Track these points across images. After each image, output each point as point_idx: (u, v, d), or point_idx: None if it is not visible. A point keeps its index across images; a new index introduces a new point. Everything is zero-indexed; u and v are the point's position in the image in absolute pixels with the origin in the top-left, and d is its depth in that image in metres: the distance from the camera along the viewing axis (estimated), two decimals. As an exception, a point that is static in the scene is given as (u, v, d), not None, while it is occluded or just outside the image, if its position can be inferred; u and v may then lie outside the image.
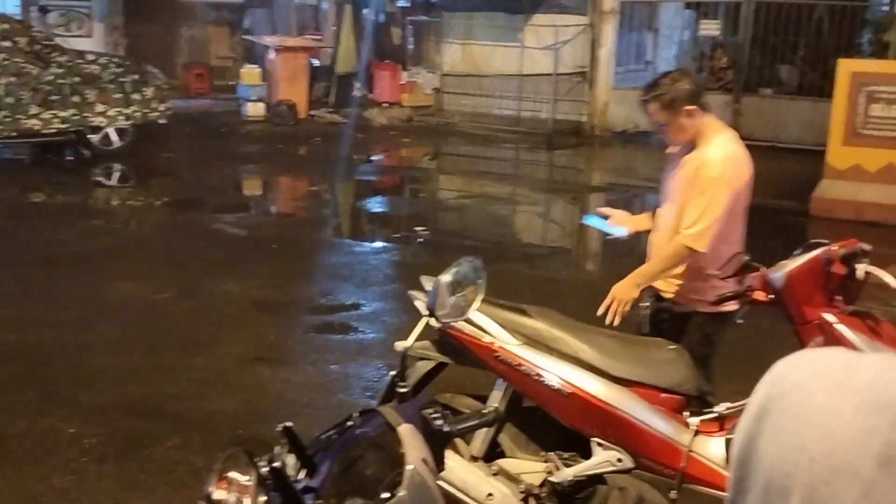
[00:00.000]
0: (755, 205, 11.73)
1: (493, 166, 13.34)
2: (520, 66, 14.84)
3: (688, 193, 3.42)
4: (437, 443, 1.62)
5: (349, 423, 1.61)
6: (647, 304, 3.64)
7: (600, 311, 3.47)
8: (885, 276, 2.87)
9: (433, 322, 2.16)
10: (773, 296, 3.08)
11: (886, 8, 13.94)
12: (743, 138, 13.35)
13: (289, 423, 1.54)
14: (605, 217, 3.80)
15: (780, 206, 10.15)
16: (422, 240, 8.53)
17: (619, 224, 3.76)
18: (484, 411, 2.25)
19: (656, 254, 3.57)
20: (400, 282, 6.57)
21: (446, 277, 2.10)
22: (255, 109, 14.89)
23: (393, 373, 2.23)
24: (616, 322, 3.45)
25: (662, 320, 3.60)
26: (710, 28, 14.87)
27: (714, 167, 3.38)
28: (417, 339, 3.00)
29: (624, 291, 3.45)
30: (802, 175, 10.52)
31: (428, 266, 7.52)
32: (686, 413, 3.05)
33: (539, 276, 7.64)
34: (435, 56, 16.42)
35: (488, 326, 3.15)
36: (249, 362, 5.24)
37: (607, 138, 14.41)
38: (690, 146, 3.50)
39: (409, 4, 17.14)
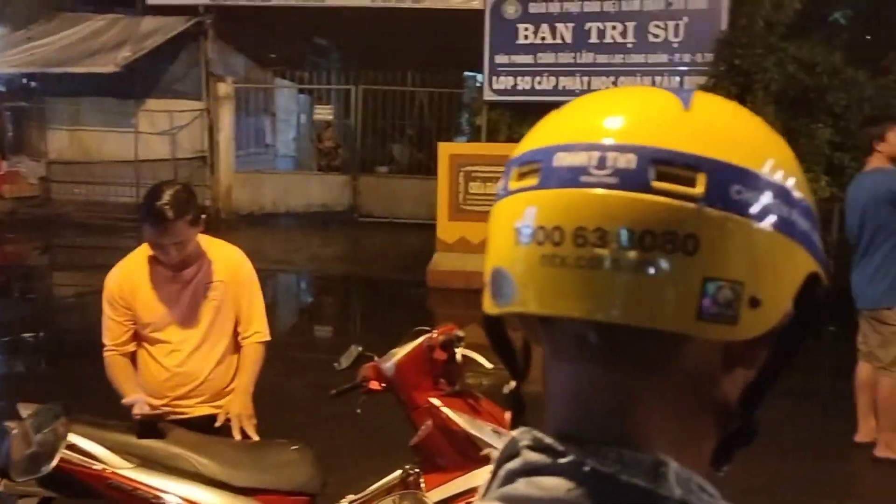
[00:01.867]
0: (379, 279, 12.20)
1: (114, 257, 12.33)
2: (135, 152, 14.32)
3: (233, 297, 3.39)
4: None
5: None
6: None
7: (233, 430, 3.33)
8: (479, 358, 3.11)
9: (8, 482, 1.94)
10: (385, 384, 3.19)
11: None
12: (362, 216, 13.98)
13: None
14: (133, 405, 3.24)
15: (401, 280, 10.75)
16: (33, 346, 7.75)
17: (140, 398, 3.25)
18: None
19: (243, 364, 3.44)
20: (3, 400, 5.87)
21: (18, 432, 1.90)
22: None
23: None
24: (253, 435, 3.35)
25: None
26: (324, 112, 15.57)
27: (247, 264, 3.47)
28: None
29: (245, 407, 3.38)
30: (419, 249, 11.22)
31: (42, 377, 6.88)
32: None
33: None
34: (39, 143, 15.28)
35: (97, 452, 2.91)
36: None
37: (234, 221, 14.34)
38: (186, 262, 3.32)
39: (3, 89, 15.82)
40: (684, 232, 0.60)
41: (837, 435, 5.36)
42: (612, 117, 0.64)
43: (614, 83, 10.74)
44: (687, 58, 10.50)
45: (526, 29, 11.06)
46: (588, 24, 10.85)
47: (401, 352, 3.16)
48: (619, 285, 0.60)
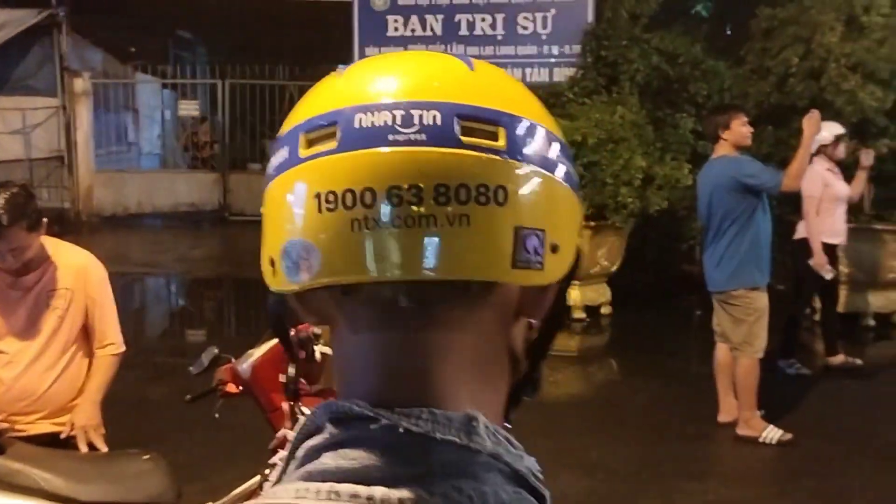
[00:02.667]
0: (251, 280, 11.96)
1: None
2: (-14, 154, 13.50)
3: (81, 306, 3.19)
4: None
5: None
6: None
7: (79, 441, 3.13)
8: (339, 355, 3.00)
9: None
10: (243, 387, 3.05)
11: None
12: (234, 214, 13.68)
13: None
14: None
15: (274, 279, 10.50)
16: None
17: None
18: None
19: (93, 373, 3.26)
20: None
21: None
22: None
23: None
24: (102, 446, 3.15)
25: None
26: (190, 108, 15.05)
27: (99, 270, 3.27)
28: None
29: (91, 416, 3.19)
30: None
31: None
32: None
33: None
34: None
35: (-78, 472, 2.72)
36: None
37: (96, 223, 13.70)
38: (27, 267, 3.12)
39: None
40: (495, 184, 0.62)
41: (702, 416, 5.51)
42: (408, 77, 0.65)
43: (485, 76, 10.76)
44: (556, 50, 10.62)
45: (395, 21, 10.96)
46: (458, 16, 10.84)
47: (257, 352, 3.03)
48: (440, 241, 0.61)
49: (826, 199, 6.27)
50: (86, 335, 3.26)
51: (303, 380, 3.07)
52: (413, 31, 10.96)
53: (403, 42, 10.99)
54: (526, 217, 0.63)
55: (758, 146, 7.52)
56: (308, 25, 13.51)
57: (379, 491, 0.60)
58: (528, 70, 10.65)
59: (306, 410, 2.87)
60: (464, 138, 0.62)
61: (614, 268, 8.65)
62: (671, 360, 7.23)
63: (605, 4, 10.39)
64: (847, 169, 8.61)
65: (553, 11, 10.58)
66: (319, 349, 3.03)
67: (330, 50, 13.52)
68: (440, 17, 10.88)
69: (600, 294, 8.64)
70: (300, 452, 0.65)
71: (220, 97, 14.50)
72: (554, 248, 0.65)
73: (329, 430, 0.64)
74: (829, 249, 6.42)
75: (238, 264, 11.71)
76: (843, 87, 7.69)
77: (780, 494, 4.58)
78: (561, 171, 0.67)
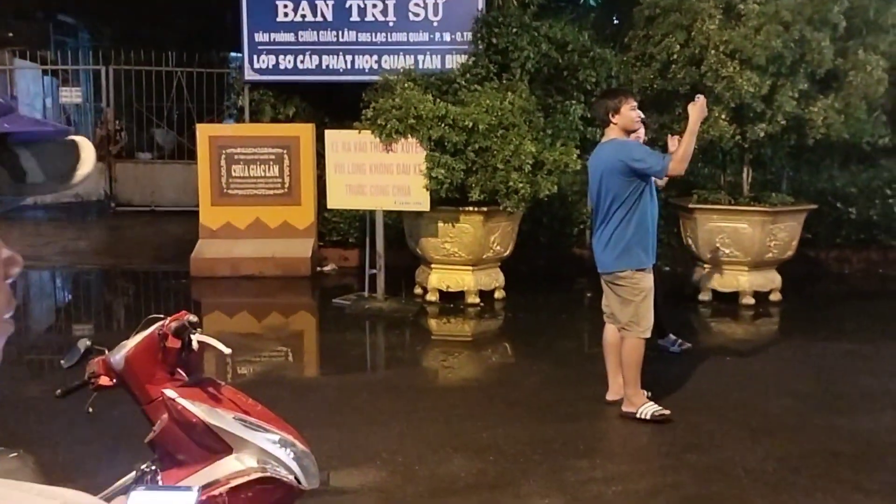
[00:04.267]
0: (139, 271, 11.54)
1: None
2: None
3: None
4: None
5: None
6: None
7: None
8: (217, 344, 2.93)
9: None
10: (116, 379, 2.95)
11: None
12: (121, 205, 13.19)
13: None
14: None
15: (163, 271, 10.22)
16: None
17: None
18: None
19: None
20: None
21: None
22: None
23: None
24: None
25: None
26: (72, 95, 14.46)
27: None
28: None
29: None
30: (183, 237, 10.73)
31: None
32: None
33: None
34: None
35: None
36: None
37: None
38: None
39: None
40: None
41: (591, 395, 5.62)
42: None
43: (378, 62, 10.71)
44: (447, 36, 10.62)
45: (285, 6, 10.75)
46: (349, 2, 10.71)
47: (130, 343, 2.93)
48: None
49: None
50: None
51: (180, 370, 3.01)
52: (304, 16, 10.79)
53: (294, 28, 10.81)
54: None
55: (643, 131, 7.70)
56: (197, 10, 13.16)
57: None
58: (420, 57, 10.63)
59: (185, 403, 2.81)
60: None
61: (507, 252, 8.74)
62: (562, 342, 7.36)
63: (495, -9, 10.45)
64: (727, 154, 8.95)
65: (444, -2, 10.58)
66: (196, 338, 2.96)
67: (219, 36, 13.21)
68: (331, 2, 10.75)
69: (493, 279, 8.72)
70: None
71: (104, 84, 13.98)
72: None
73: None
74: None
75: (125, 256, 11.34)
76: (722, 73, 7.92)
77: (663, 468, 4.71)
78: None
